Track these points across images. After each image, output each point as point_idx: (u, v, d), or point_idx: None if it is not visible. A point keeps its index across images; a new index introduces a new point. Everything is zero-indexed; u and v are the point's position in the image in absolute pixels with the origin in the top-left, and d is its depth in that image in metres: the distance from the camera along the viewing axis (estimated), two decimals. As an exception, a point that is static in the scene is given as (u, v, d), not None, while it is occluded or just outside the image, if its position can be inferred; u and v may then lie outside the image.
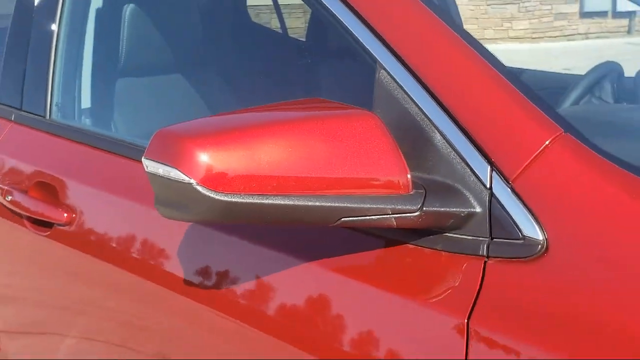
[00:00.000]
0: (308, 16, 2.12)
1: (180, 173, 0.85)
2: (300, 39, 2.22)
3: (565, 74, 2.50)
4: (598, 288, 0.83)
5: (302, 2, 1.19)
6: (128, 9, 1.72)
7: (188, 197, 0.85)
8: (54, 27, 1.57)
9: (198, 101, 1.83)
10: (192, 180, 0.84)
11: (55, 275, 1.47)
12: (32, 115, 1.59)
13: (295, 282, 1.04)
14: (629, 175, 0.88)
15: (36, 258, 1.51)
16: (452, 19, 1.14)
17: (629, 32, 16.50)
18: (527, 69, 2.33)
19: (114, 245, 1.32)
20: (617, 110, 1.63)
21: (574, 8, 15.99)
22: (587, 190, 0.87)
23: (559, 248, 0.86)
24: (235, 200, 0.85)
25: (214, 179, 0.84)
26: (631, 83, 1.83)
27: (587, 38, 15.98)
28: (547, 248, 0.86)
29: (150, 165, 0.88)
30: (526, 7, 15.75)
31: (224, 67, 1.96)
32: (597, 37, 15.90)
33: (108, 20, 1.72)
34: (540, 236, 0.87)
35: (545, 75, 2.46)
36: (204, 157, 0.84)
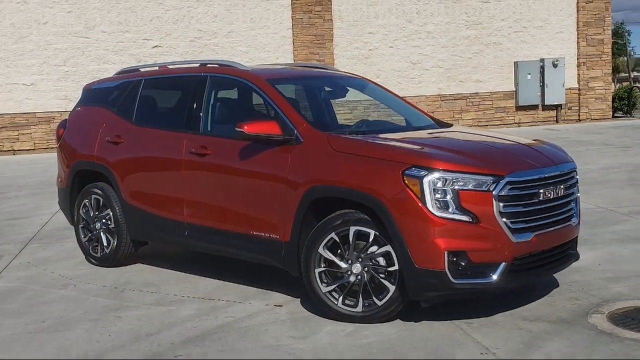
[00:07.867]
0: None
1: (243, 130, 5.19)
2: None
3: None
4: (314, 151, 5.11)
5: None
6: (218, 105, 6.07)
7: (243, 133, 5.19)
8: (202, 98, 5.95)
9: (234, 121, 6.10)
10: (244, 130, 5.18)
11: (205, 176, 5.76)
12: (193, 131, 5.91)
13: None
14: (320, 133, 5.20)
15: (197, 172, 5.78)
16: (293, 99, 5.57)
17: (557, 121, 20.64)
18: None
19: (222, 159, 5.63)
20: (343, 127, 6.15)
21: (511, 103, 20.18)
22: (307, 134, 5.20)
23: (305, 143, 5.15)
24: (252, 134, 5.20)
25: (249, 130, 5.18)
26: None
27: (519, 126, 20.12)
28: (303, 142, 5.15)
29: (237, 129, 5.23)
30: (472, 102, 19.91)
31: (241, 118, 6.23)
32: (529, 125, 20.05)
33: (211, 100, 6.06)
34: (303, 140, 5.16)
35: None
36: (247, 127, 5.18)
